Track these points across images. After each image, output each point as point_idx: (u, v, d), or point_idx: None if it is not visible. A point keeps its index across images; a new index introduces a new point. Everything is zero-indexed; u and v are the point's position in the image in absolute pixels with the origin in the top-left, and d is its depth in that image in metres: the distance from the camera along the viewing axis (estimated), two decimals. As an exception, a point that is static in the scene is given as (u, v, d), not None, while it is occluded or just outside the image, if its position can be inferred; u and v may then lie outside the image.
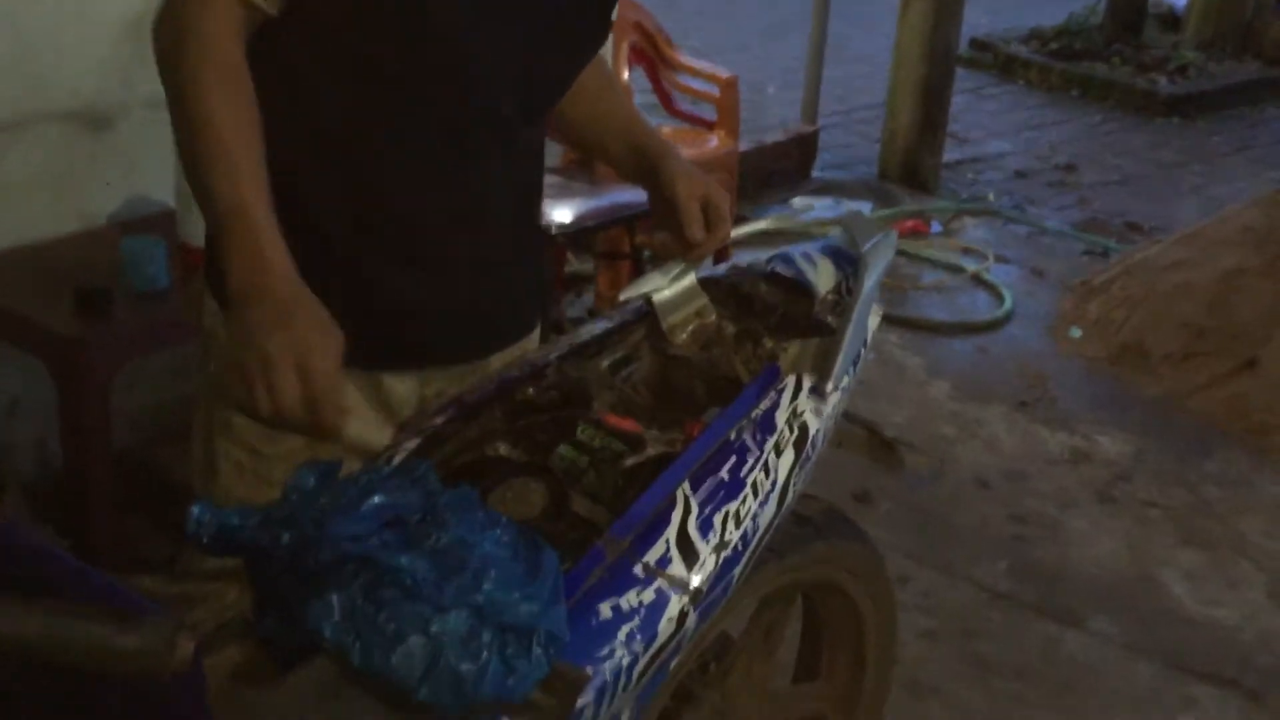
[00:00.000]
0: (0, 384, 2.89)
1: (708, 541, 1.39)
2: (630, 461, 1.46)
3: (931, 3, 5.40)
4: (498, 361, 1.70)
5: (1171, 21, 8.22)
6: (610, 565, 1.31)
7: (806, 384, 1.57)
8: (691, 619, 1.37)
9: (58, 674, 0.99)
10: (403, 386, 1.64)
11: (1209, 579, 3.18)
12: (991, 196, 5.62)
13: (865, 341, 1.74)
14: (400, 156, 1.54)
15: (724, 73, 4.43)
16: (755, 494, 1.46)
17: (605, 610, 1.29)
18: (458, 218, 1.61)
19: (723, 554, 1.41)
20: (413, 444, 1.44)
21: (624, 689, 1.31)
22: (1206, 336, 4.08)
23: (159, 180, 2.86)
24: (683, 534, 1.37)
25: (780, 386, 1.55)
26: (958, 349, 4.28)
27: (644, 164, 1.74)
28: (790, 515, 1.60)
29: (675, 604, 1.34)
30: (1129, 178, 6.10)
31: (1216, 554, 3.28)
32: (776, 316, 1.69)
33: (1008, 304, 4.52)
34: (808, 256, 1.75)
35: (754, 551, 1.48)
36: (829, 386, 1.60)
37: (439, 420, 1.49)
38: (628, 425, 1.49)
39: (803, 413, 1.56)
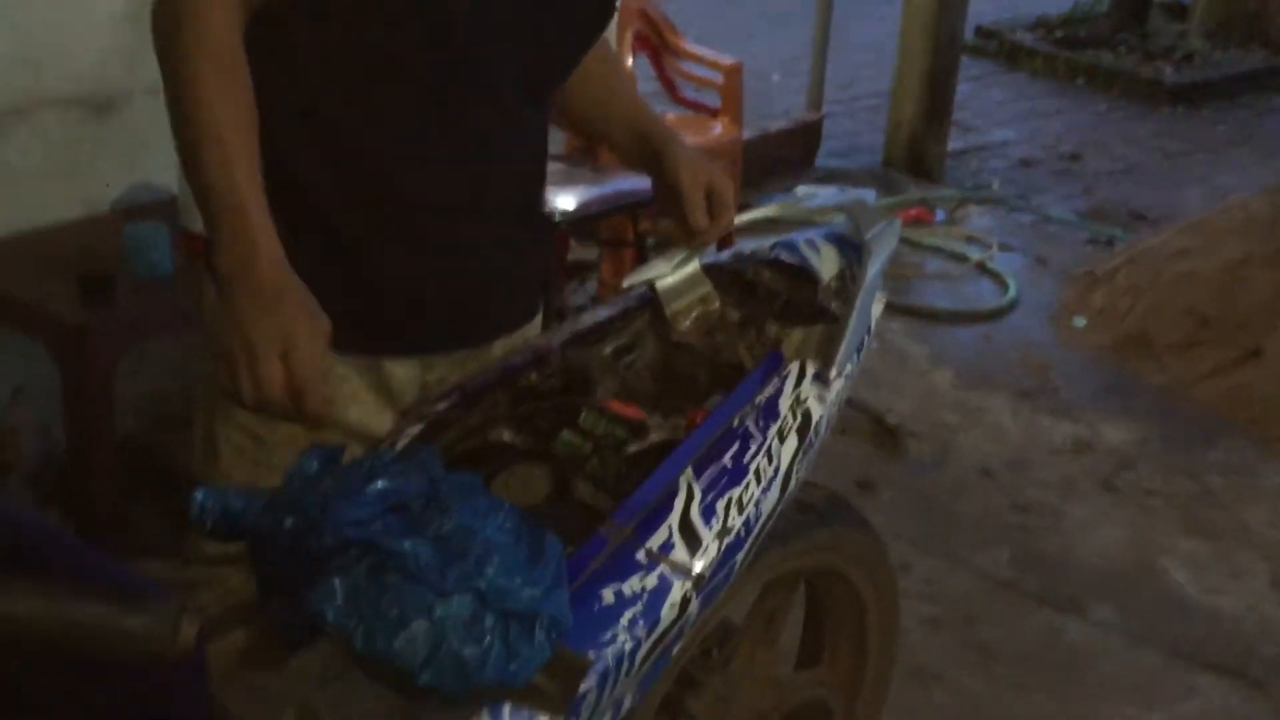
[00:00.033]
0: (4, 370, 2.89)
1: (710, 528, 1.39)
2: (633, 448, 1.46)
3: (937, -9, 5.40)
4: (500, 348, 1.69)
5: (1177, 10, 8.20)
6: (613, 551, 1.32)
7: (810, 371, 1.57)
8: (694, 605, 1.37)
9: (63, 662, 0.98)
10: (404, 372, 1.64)
11: (1212, 568, 3.18)
12: (996, 185, 5.60)
13: (868, 329, 1.73)
14: (402, 140, 1.54)
15: (728, 60, 4.43)
16: (758, 480, 1.46)
17: (608, 596, 1.29)
18: (460, 202, 1.60)
19: (725, 540, 1.41)
20: (416, 430, 1.44)
21: (626, 674, 1.31)
22: (1211, 326, 4.07)
23: (162, 167, 2.86)
24: (685, 520, 1.37)
25: (783, 373, 1.55)
26: (961, 337, 4.28)
27: (648, 150, 1.74)
28: (793, 502, 1.60)
29: (678, 590, 1.35)
30: (1134, 166, 6.08)
31: (1220, 543, 3.28)
32: (780, 303, 1.69)
33: (1011, 292, 4.51)
34: (811, 243, 1.75)
35: (757, 538, 1.48)
36: (832, 373, 1.60)
37: (442, 406, 1.49)
38: (631, 412, 1.50)
39: (806, 399, 1.56)
